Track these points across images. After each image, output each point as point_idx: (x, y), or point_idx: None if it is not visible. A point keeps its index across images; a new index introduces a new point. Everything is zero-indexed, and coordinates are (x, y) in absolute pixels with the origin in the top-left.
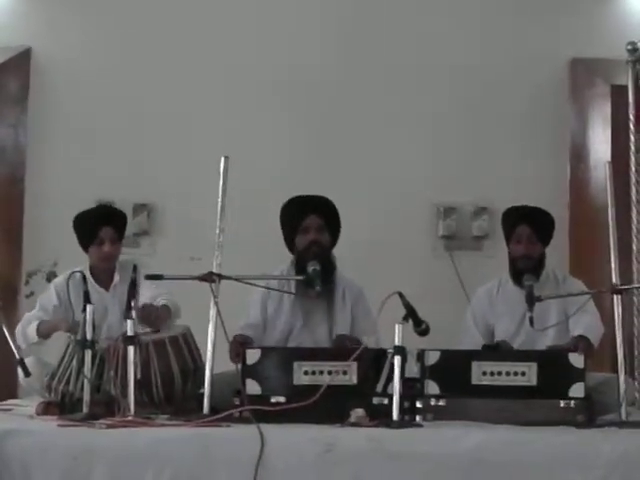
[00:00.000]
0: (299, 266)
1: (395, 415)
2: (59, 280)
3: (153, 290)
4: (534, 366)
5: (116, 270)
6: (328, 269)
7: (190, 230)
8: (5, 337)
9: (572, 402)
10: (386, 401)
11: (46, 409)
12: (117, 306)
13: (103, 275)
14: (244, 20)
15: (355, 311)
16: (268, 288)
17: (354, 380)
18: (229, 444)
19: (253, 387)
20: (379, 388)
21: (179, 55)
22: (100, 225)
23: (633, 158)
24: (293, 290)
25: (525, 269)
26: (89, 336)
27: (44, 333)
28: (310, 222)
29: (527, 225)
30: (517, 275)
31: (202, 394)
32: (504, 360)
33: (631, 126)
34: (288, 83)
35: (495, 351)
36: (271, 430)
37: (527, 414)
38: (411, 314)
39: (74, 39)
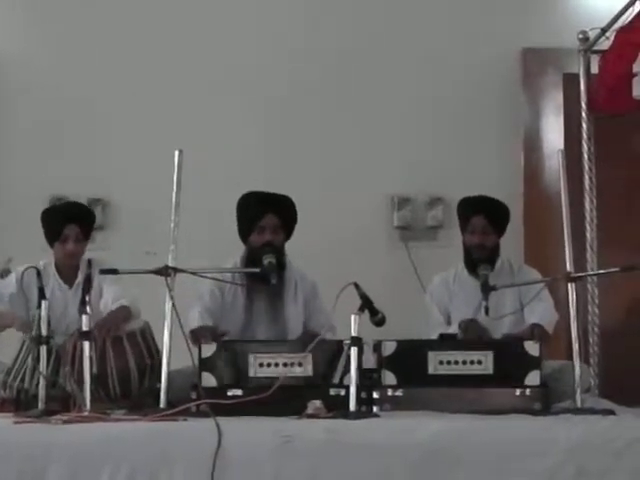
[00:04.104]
0: (250, 262)
1: (352, 406)
2: (21, 270)
3: (115, 292)
4: (490, 355)
5: (80, 268)
6: (279, 267)
7: (145, 224)
8: None
9: (528, 390)
10: (343, 392)
11: (1, 406)
12: (78, 304)
13: (68, 272)
14: (196, 13)
15: (309, 307)
16: (220, 280)
17: (310, 372)
18: (186, 438)
19: (209, 380)
20: (336, 379)
21: (131, 51)
22: (65, 222)
23: (585, 146)
24: (243, 287)
25: (480, 259)
26: (44, 332)
27: None
28: (266, 222)
29: (482, 216)
30: (472, 265)
31: (159, 389)
32: (460, 349)
33: (583, 114)
34: (242, 77)
35: (451, 340)
36: (228, 423)
37: (484, 403)
38: (367, 304)
39: (26, 36)
